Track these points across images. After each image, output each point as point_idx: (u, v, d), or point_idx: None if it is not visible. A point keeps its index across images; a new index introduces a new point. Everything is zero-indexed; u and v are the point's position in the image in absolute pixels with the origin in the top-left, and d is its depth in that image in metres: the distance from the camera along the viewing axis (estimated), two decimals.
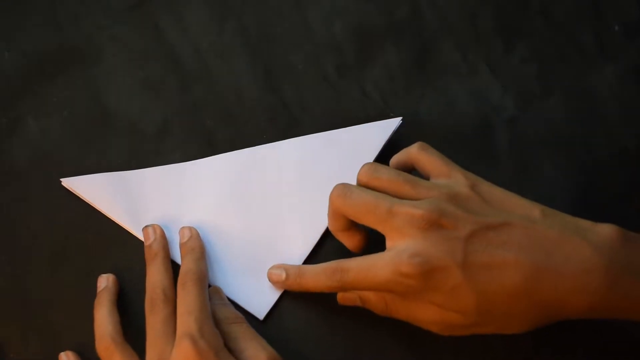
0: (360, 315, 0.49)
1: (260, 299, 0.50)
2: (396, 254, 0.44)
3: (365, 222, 0.46)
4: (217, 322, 0.47)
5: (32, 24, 0.56)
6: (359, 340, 0.50)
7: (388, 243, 0.45)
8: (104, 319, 0.48)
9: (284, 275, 0.49)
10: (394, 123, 0.53)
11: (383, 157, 0.52)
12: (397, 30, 0.57)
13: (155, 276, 0.48)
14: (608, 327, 0.49)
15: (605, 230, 0.43)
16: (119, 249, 0.52)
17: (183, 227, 0.51)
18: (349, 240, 0.49)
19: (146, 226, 0.51)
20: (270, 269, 0.50)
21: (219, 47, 0.56)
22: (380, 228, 0.45)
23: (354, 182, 0.48)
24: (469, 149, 0.54)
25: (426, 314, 0.45)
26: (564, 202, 0.51)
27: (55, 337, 0.50)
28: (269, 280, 0.50)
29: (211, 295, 0.49)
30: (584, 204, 0.52)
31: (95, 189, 0.52)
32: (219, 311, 0.48)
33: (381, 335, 0.50)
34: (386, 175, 0.47)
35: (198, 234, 0.51)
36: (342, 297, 0.49)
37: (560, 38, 0.56)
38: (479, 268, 0.43)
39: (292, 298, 0.51)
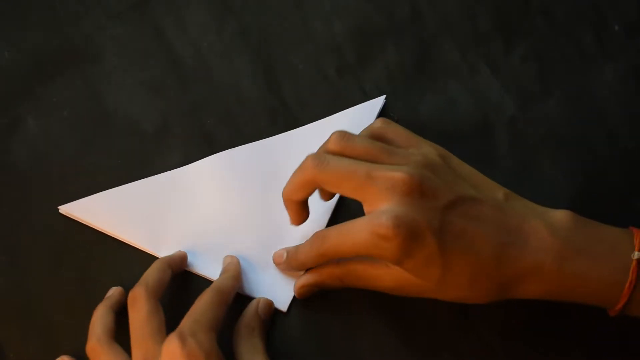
0: (360, 313, 0.49)
1: (280, 293, 0.51)
2: (375, 216, 0.43)
3: (342, 190, 0.45)
4: (236, 355, 0.47)
5: (32, 24, 0.56)
6: (357, 337, 0.50)
7: (366, 209, 0.44)
8: (96, 321, 0.48)
9: (285, 256, 0.50)
10: (378, 102, 0.54)
11: None
12: (397, 30, 0.56)
13: (146, 272, 0.48)
14: (607, 328, 0.49)
15: (561, 215, 0.45)
16: (119, 249, 0.52)
17: (226, 256, 0.51)
18: (297, 215, 0.49)
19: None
20: (275, 252, 0.51)
21: (219, 47, 0.56)
22: (358, 195, 0.44)
23: None
24: (469, 149, 0.54)
25: (384, 281, 0.46)
26: (564, 202, 0.51)
27: (55, 337, 0.50)
28: (273, 262, 0.51)
29: (242, 327, 0.49)
30: (584, 204, 0.52)
31: (93, 211, 0.52)
32: (243, 344, 0.48)
33: (380, 335, 0.50)
34: (360, 144, 0.46)
35: (238, 261, 0.51)
36: (298, 294, 0.50)
37: (560, 38, 0.56)
38: (451, 238, 0.43)
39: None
